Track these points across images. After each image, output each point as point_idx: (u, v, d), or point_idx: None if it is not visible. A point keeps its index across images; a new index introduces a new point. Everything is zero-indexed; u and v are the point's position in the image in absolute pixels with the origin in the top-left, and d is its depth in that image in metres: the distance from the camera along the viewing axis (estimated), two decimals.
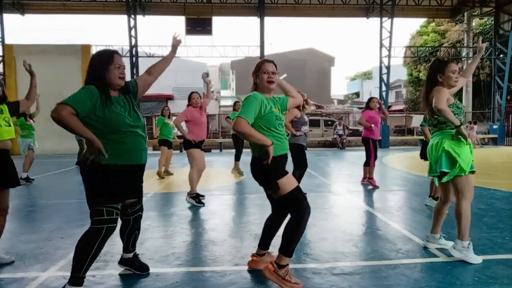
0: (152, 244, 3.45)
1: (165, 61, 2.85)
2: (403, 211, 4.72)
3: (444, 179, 2.95)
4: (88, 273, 2.70)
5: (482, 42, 3.48)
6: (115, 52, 2.46)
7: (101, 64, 2.36)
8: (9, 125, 3.07)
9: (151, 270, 2.79)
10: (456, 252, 2.96)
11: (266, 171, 2.49)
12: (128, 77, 2.56)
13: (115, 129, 2.32)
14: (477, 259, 2.89)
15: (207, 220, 4.44)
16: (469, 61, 21.37)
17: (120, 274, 2.74)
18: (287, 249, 2.46)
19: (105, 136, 2.29)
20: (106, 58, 2.38)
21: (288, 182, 2.49)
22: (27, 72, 3.39)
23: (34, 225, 4.26)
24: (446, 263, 2.88)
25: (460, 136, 2.87)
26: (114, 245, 3.26)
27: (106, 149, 2.24)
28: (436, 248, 3.18)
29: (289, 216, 2.57)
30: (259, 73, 2.61)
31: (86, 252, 2.28)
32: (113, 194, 2.33)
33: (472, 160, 2.98)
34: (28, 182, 7.46)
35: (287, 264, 2.47)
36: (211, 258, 3.09)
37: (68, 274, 2.33)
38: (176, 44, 2.94)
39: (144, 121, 2.64)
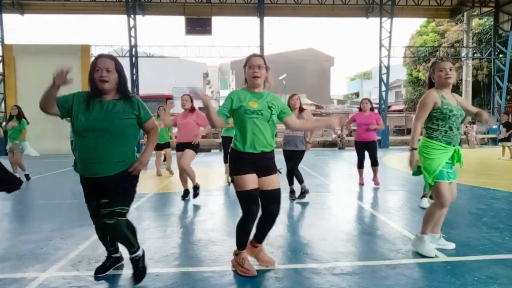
0: (151, 244, 3.45)
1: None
2: (403, 211, 4.72)
3: (426, 188, 3.01)
4: (87, 273, 2.72)
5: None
6: (101, 55, 2.48)
7: (91, 68, 2.47)
8: None
9: (151, 270, 2.79)
10: (413, 245, 3.12)
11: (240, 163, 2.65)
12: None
13: (76, 130, 2.42)
14: (431, 253, 2.98)
15: (207, 220, 4.44)
16: (468, 61, 21.36)
17: (120, 274, 2.74)
18: (236, 241, 2.74)
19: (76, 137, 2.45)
20: (92, 61, 2.48)
21: (241, 182, 2.61)
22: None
23: (33, 225, 4.25)
24: (445, 263, 2.88)
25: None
26: None
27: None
28: (436, 248, 3.18)
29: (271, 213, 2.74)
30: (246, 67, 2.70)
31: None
32: (85, 194, 2.53)
33: (453, 164, 2.95)
34: (28, 179, 7.65)
35: (240, 253, 2.73)
36: (211, 258, 3.09)
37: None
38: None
39: None
